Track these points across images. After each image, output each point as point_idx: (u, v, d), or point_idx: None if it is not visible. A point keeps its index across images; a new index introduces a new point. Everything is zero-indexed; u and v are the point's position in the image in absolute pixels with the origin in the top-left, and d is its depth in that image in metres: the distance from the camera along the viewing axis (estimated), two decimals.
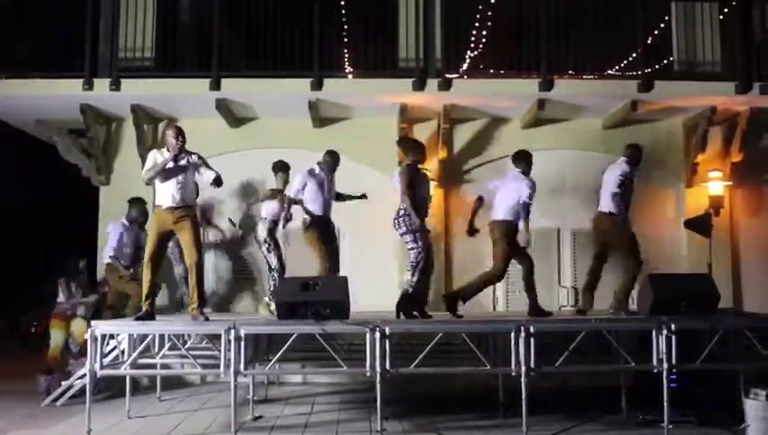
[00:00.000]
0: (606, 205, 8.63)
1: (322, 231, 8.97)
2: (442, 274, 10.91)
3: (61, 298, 10.23)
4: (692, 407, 7.91)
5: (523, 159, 8.69)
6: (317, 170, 9.11)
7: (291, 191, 9.05)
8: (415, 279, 8.20)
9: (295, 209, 8.96)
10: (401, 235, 8.37)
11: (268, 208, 9.76)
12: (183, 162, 7.86)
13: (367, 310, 8.56)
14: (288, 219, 9.05)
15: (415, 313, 8.16)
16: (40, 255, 19.48)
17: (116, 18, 10.70)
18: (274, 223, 9.68)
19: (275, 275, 9.59)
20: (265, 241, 9.66)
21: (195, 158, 7.94)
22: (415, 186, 8.31)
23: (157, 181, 7.89)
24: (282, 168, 9.99)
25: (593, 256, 8.95)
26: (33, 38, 10.48)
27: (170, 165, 7.78)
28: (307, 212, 8.95)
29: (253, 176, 11.18)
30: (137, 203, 10.26)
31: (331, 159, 9.26)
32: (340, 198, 9.46)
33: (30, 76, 10.21)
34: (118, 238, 10.06)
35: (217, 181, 7.82)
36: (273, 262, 9.65)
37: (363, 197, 9.59)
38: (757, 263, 11.41)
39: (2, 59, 10.30)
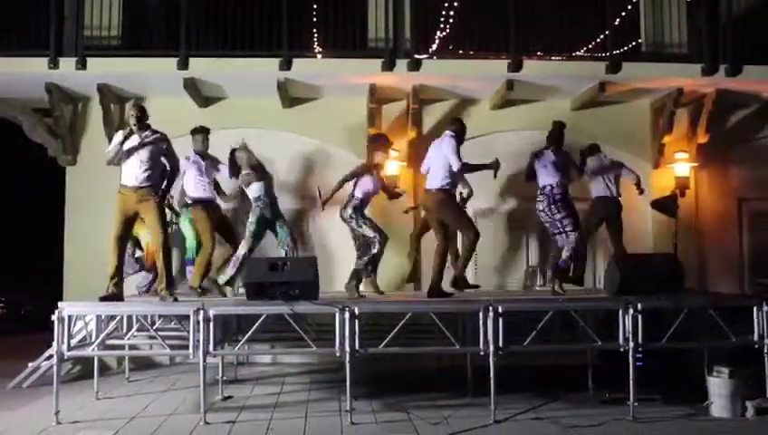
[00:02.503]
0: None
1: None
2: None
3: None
4: (657, 385, 8.03)
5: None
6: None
7: (455, 159, 8.37)
8: (568, 255, 8.70)
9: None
10: (559, 219, 8.63)
11: (363, 186, 9.00)
12: (148, 141, 7.80)
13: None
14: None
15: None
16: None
17: None
18: (363, 202, 9.01)
19: (377, 244, 8.82)
20: (351, 217, 8.86)
21: (161, 143, 7.90)
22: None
23: (123, 161, 7.86)
24: (384, 143, 9.44)
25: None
26: None
27: (129, 145, 7.73)
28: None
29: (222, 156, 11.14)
30: (200, 131, 9.68)
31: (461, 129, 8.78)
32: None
33: None
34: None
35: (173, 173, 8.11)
36: (370, 233, 8.87)
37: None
38: (721, 243, 11.57)
39: None
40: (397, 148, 10.97)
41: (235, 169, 9.28)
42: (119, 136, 7.87)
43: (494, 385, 7.17)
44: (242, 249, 9.05)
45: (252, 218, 9.14)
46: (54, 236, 11.39)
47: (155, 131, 7.91)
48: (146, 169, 7.76)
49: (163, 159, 7.98)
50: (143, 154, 7.77)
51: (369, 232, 8.79)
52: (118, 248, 7.76)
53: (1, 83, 10.46)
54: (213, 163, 9.66)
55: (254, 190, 9.19)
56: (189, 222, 9.70)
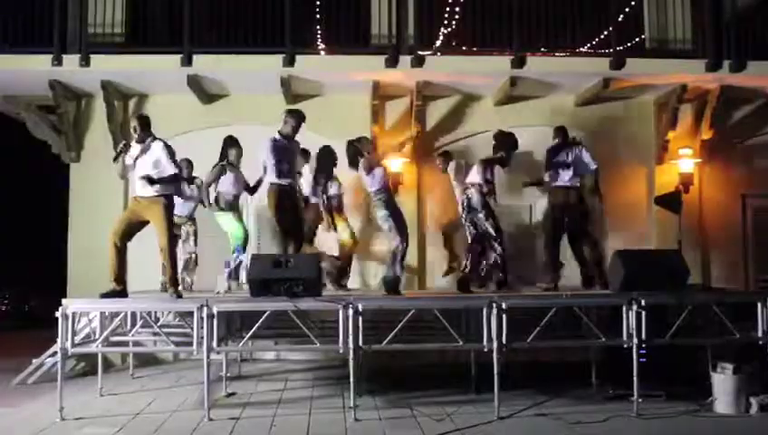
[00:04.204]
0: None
1: None
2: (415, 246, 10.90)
3: (332, 191, 9.67)
4: (661, 382, 8.02)
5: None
6: None
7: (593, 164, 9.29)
8: None
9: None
10: None
11: (476, 173, 8.90)
12: (150, 150, 7.79)
13: None
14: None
15: None
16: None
17: None
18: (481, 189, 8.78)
19: (495, 244, 8.73)
20: (474, 209, 8.67)
21: (158, 147, 7.81)
22: None
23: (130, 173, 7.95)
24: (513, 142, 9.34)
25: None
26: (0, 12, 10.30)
27: (130, 157, 7.77)
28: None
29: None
30: (295, 114, 8.79)
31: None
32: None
33: None
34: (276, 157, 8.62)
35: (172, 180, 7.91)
36: (492, 231, 8.71)
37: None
38: (725, 239, 11.55)
39: None
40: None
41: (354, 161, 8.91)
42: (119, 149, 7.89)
43: (498, 382, 7.17)
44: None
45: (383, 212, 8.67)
46: (58, 232, 11.41)
47: (155, 138, 7.88)
48: (151, 177, 7.73)
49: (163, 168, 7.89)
50: (147, 162, 7.76)
51: (490, 229, 8.86)
52: (117, 246, 7.71)
53: (5, 80, 10.47)
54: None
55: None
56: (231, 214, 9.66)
